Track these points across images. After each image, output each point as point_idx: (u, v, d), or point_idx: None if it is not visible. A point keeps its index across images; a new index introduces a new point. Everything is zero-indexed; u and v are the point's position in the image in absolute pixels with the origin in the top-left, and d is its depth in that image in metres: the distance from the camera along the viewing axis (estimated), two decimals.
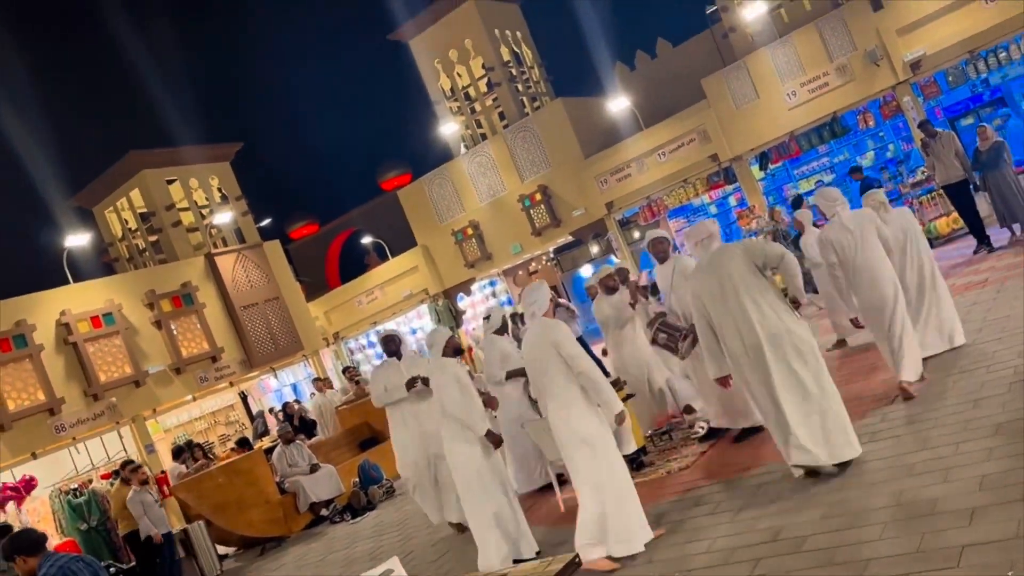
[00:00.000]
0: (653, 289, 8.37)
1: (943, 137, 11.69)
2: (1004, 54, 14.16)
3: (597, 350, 12.09)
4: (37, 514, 12.99)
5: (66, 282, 16.39)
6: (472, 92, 21.75)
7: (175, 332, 17.07)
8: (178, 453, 12.65)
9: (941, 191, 12.82)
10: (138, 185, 19.17)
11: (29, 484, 13.04)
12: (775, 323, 5.25)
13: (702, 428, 7.47)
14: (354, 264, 29.23)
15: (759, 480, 5.73)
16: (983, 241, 11.43)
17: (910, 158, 15.57)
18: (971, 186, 11.74)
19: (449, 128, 21.55)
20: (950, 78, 14.77)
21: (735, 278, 5.37)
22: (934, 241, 13.90)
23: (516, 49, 21.97)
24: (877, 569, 3.79)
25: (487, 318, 8.22)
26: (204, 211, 19.88)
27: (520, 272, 22.18)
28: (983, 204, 12.04)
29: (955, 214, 13.02)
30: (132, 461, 10.87)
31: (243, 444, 13.35)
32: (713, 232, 5.91)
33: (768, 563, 4.35)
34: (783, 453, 5.37)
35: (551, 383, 5.38)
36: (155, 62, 32.13)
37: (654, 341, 7.27)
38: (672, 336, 6.93)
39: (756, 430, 6.74)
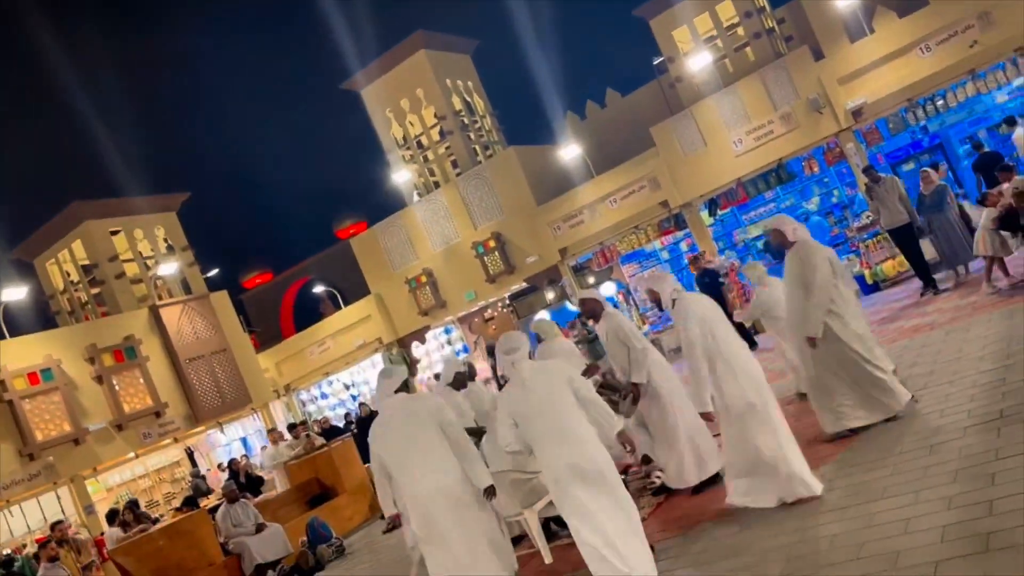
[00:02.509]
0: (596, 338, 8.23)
1: (887, 182, 11.88)
2: (941, 102, 14.56)
3: None
4: None
5: (2, 337, 15.75)
6: (424, 140, 21.72)
7: (117, 387, 16.46)
8: (112, 517, 12.01)
9: (886, 235, 13.00)
10: (81, 236, 18.61)
11: None
12: None
13: (658, 478, 7.28)
14: (309, 313, 28.73)
15: (717, 531, 5.54)
16: (929, 283, 11.56)
17: (855, 203, 15.83)
18: (915, 229, 11.91)
19: (402, 176, 21.44)
20: (891, 125, 15.13)
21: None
22: (881, 284, 14.09)
23: (467, 98, 22.06)
24: None
25: (439, 375, 8.00)
26: (149, 262, 19.36)
27: (476, 319, 21.97)
28: (928, 247, 12.22)
29: (900, 257, 13.20)
30: (61, 521, 10.30)
31: (189, 503, 12.79)
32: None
33: None
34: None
35: (565, 421, 5.08)
36: (100, 111, 31.65)
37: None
38: (614, 394, 6.76)
39: (713, 480, 6.58)
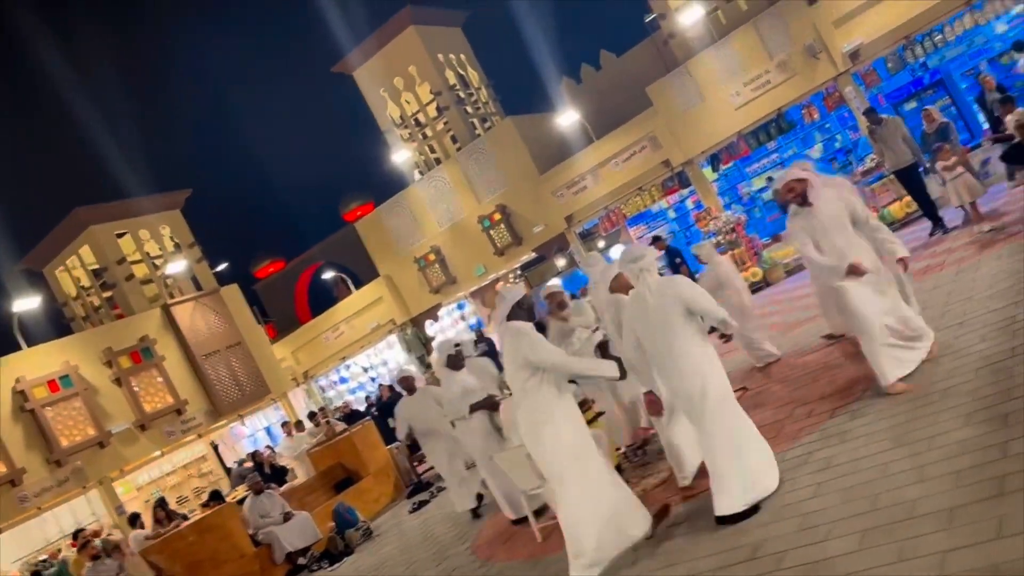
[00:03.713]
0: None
1: (889, 123, 11.69)
2: (939, 36, 14.30)
3: None
4: None
5: (19, 348, 15.90)
6: (422, 118, 21.60)
7: (136, 388, 16.62)
8: (134, 519, 12.18)
9: (892, 177, 12.83)
10: (87, 242, 18.69)
11: None
12: None
13: None
14: (324, 298, 28.80)
15: None
16: (937, 223, 11.42)
17: (858, 147, 15.64)
18: (921, 169, 11.75)
19: (401, 156, 21.36)
20: (889, 65, 14.88)
21: None
22: (891, 226, 13.92)
23: (462, 72, 21.87)
24: None
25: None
26: (158, 261, 19.44)
27: (488, 293, 21.97)
28: (934, 186, 12.05)
29: (908, 198, 13.04)
30: (82, 530, 10.46)
31: (216, 498, 12.92)
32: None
33: None
34: None
35: (672, 345, 5.09)
36: (97, 113, 31.60)
37: None
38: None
39: None
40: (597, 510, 5.21)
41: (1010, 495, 3.66)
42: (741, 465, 4.98)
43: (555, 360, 5.32)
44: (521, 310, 5.57)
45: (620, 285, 6.78)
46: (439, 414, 9.02)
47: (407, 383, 9.74)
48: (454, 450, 9.07)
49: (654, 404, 5.49)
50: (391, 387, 15.09)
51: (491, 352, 14.62)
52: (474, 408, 7.58)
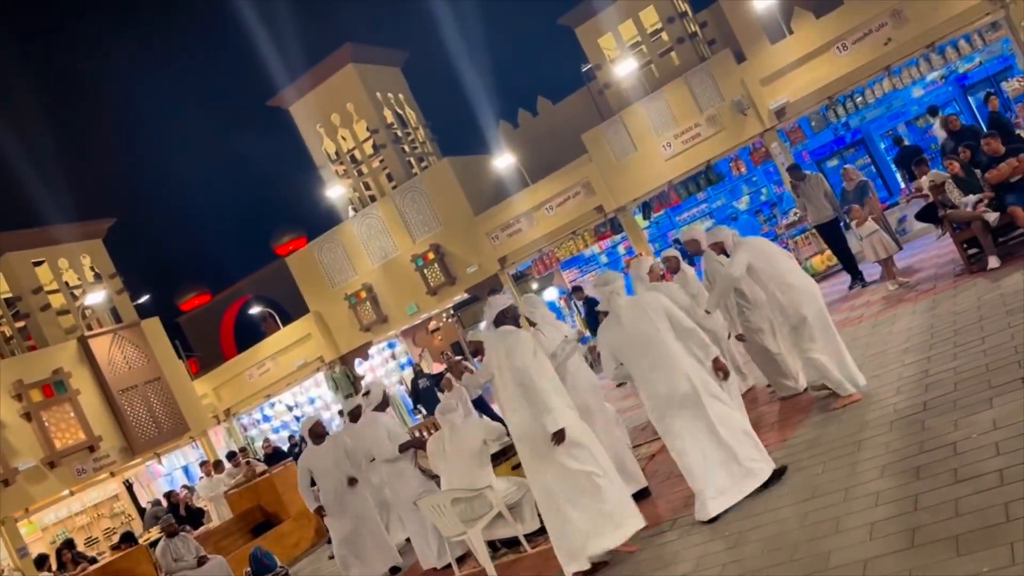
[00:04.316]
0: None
1: (811, 179, 12.14)
2: (860, 98, 14.98)
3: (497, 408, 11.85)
4: None
5: None
6: (357, 155, 21.48)
7: (47, 423, 15.84)
8: (42, 562, 11.54)
9: (814, 231, 13.28)
10: (1, 269, 17.88)
11: None
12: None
13: None
14: (250, 332, 28.12)
15: (658, 540, 5.54)
16: (856, 277, 11.84)
17: (783, 200, 16.17)
18: (842, 224, 12.19)
19: (336, 191, 21.17)
20: (813, 123, 15.49)
21: None
22: (814, 276, 14.38)
23: (399, 111, 21.90)
24: None
25: (367, 393, 7.88)
26: (76, 292, 18.71)
27: (420, 332, 21.79)
28: (854, 241, 12.53)
29: (828, 251, 13.51)
30: None
31: (127, 539, 12.35)
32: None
33: None
34: None
35: (658, 352, 5.45)
36: (17, 138, 30.48)
37: None
38: None
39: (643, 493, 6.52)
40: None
41: (922, 547, 3.75)
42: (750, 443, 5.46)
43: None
44: (507, 318, 5.84)
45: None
46: (347, 466, 8.28)
47: (317, 430, 8.62)
48: (362, 512, 8.29)
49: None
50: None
51: (435, 386, 14.49)
52: (404, 447, 7.46)
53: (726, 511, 5.30)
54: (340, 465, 8.30)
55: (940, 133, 13.23)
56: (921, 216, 11.03)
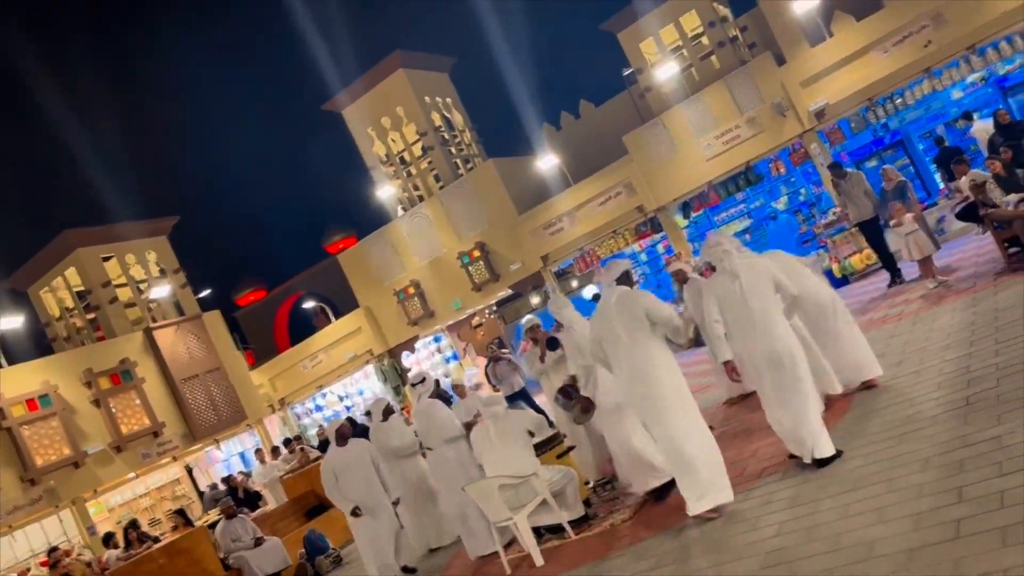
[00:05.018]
0: (551, 344, 8.21)
1: (852, 177, 11.89)
2: (900, 100, 14.66)
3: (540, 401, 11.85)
4: None
5: None
6: (407, 156, 21.66)
7: (114, 409, 16.28)
8: (108, 539, 11.85)
9: (853, 230, 13.02)
10: (73, 264, 18.40)
11: None
12: None
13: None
14: (303, 327, 28.54)
15: (699, 529, 5.49)
16: (895, 275, 11.58)
17: (821, 200, 15.89)
18: (881, 223, 11.93)
19: (386, 192, 21.37)
20: (853, 125, 15.20)
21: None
22: (849, 277, 14.11)
23: (447, 114, 22.02)
24: None
25: (421, 382, 7.90)
26: (142, 286, 19.18)
27: (464, 327, 21.89)
28: (893, 239, 12.24)
29: (868, 250, 13.22)
30: (57, 548, 10.15)
31: (180, 515, 12.62)
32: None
33: None
34: None
35: (762, 312, 5.68)
36: (89, 139, 31.33)
37: (556, 401, 7.11)
38: (567, 402, 6.79)
39: (668, 487, 6.43)
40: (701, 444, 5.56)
41: (966, 538, 3.66)
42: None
43: (668, 314, 5.74)
44: (629, 279, 6.08)
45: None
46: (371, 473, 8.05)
47: (343, 431, 8.38)
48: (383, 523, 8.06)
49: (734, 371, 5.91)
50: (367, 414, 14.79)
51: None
52: (468, 426, 7.54)
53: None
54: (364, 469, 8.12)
55: (980, 135, 12.90)
56: (962, 215, 10.75)
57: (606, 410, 6.72)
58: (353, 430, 14.57)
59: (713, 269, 8.27)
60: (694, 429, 5.56)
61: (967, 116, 13.78)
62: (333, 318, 23.28)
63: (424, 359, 21.31)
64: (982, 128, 13.01)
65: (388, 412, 8.65)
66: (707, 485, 5.42)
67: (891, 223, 10.76)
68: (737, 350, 5.92)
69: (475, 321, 21.95)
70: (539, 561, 6.43)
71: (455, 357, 21.20)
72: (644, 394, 5.66)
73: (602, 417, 6.78)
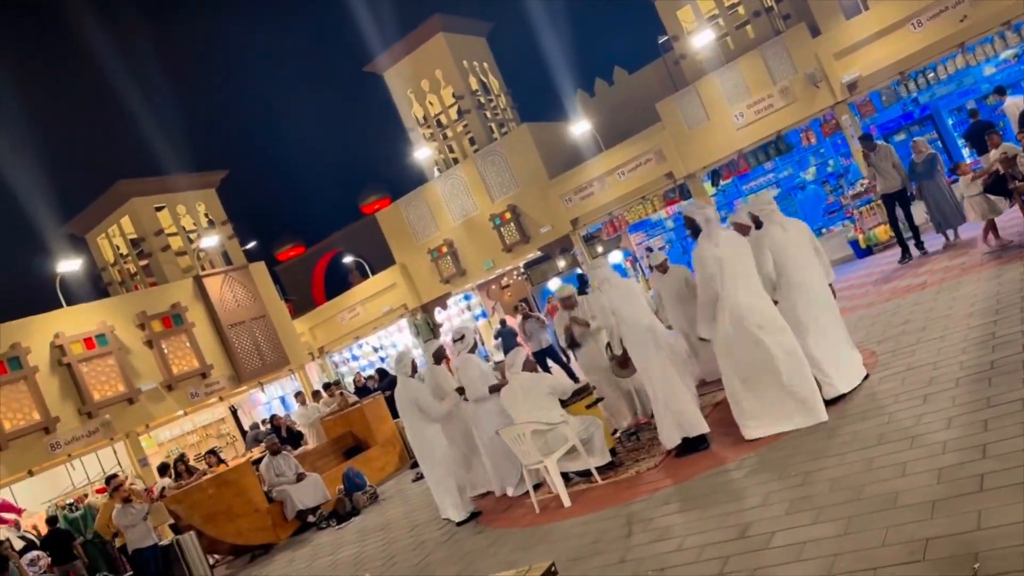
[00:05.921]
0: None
1: (881, 149, 11.65)
2: (932, 74, 14.27)
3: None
4: (37, 530, 12.52)
5: (60, 306, 15.91)
6: (443, 119, 21.55)
7: (166, 351, 16.62)
8: (164, 469, 12.21)
9: (879, 201, 12.78)
10: (128, 213, 18.69)
11: (5, 507, 12.63)
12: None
13: None
14: (338, 282, 28.81)
15: (724, 478, 5.53)
16: (906, 252, 11.37)
17: (849, 171, 15.61)
18: (909, 195, 11.70)
19: (423, 153, 21.33)
20: (884, 98, 14.84)
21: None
22: (874, 248, 13.90)
23: (483, 79, 21.83)
24: (844, 565, 3.60)
25: (461, 338, 7.93)
26: (192, 236, 19.44)
27: (493, 286, 21.95)
28: (919, 212, 12.04)
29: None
30: (116, 475, 10.46)
31: (212, 454, 12.97)
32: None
33: (737, 560, 4.15)
34: None
35: (808, 260, 6.39)
36: (143, 94, 31.54)
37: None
38: (610, 363, 7.38)
39: (697, 443, 6.45)
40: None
41: (989, 491, 3.66)
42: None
43: None
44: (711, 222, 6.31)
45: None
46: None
47: (439, 353, 8.25)
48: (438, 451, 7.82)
49: None
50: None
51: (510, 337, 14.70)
52: (493, 389, 7.60)
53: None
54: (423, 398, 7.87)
55: (1012, 111, 12.52)
56: (991, 188, 10.49)
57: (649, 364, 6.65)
58: (383, 380, 14.87)
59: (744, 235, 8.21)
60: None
61: (1000, 91, 13.37)
62: (370, 274, 23.45)
63: (454, 315, 21.46)
64: (1014, 104, 12.63)
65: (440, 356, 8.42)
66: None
67: (958, 174, 10.63)
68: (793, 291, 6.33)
69: (503, 281, 22.00)
70: (567, 502, 6.53)
71: (484, 315, 21.30)
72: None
73: (644, 370, 6.70)
